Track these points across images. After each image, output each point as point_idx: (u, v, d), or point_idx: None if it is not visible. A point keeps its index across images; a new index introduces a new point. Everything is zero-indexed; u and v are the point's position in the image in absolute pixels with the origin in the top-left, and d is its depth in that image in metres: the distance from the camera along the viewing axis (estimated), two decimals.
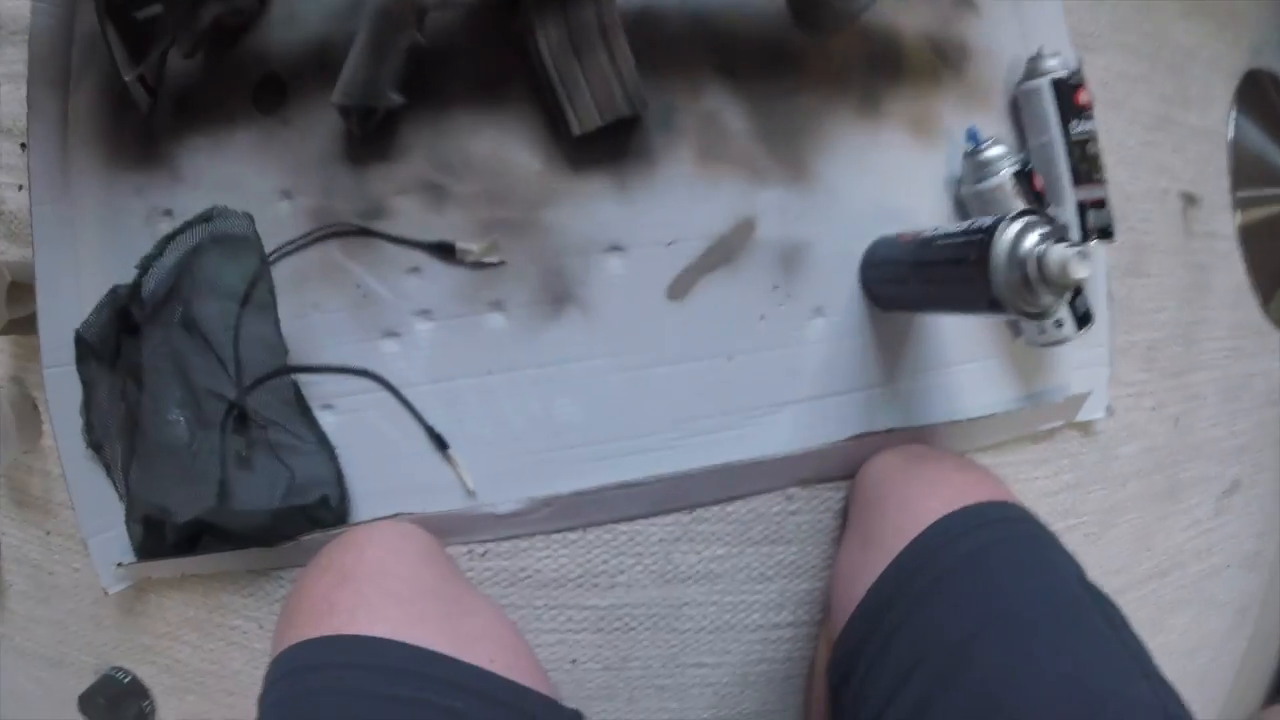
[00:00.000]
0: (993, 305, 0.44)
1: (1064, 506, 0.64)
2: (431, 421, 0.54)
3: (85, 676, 0.63)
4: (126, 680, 0.61)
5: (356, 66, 0.51)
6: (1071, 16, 0.66)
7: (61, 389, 0.56)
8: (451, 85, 0.54)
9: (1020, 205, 0.55)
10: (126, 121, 0.56)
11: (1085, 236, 0.58)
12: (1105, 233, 0.59)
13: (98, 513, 0.56)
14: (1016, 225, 0.43)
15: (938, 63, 0.61)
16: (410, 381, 0.54)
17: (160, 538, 0.55)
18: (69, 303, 0.56)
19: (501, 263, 0.54)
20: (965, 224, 0.47)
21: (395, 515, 0.54)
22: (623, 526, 0.56)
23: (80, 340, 0.56)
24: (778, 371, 0.56)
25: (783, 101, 0.57)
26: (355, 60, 0.51)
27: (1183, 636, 0.73)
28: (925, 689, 0.39)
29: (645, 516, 0.56)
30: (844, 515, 0.58)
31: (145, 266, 0.55)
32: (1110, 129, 0.66)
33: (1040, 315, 0.44)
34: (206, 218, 0.55)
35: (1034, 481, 0.64)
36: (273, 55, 0.56)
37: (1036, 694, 0.35)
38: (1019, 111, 0.62)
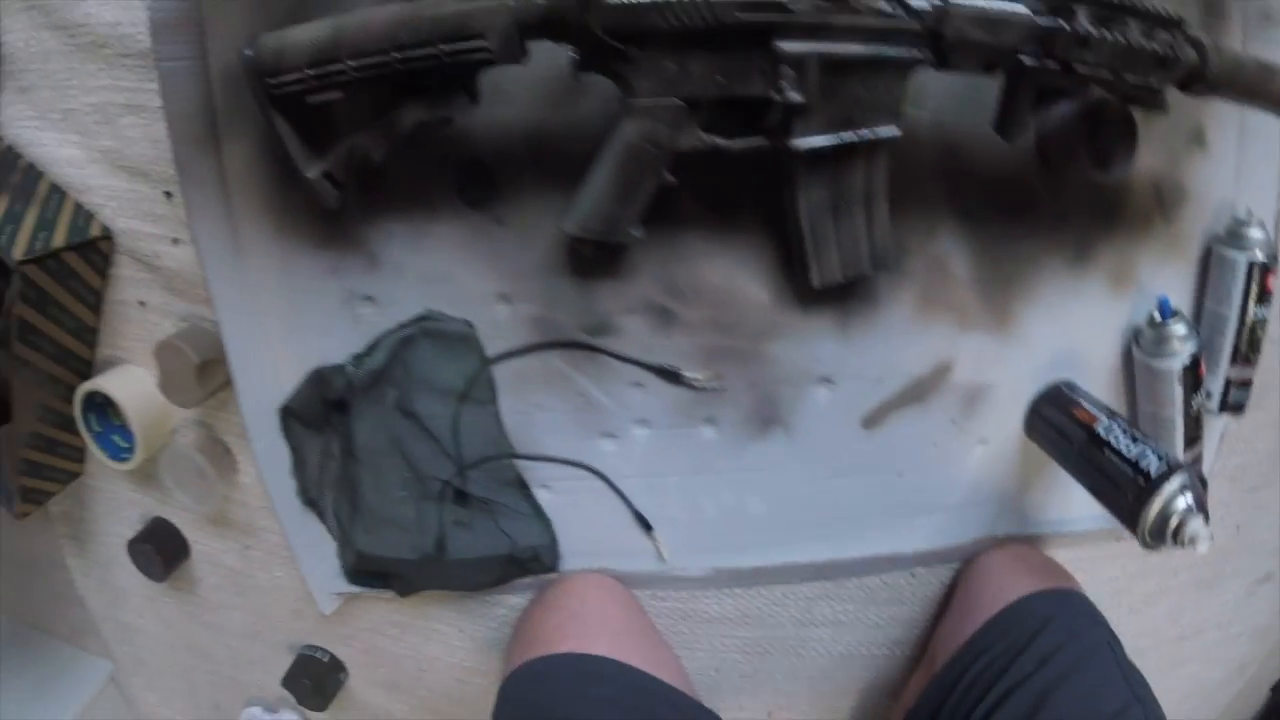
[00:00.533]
0: (1128, 526, 0.54)
1: (1120, 586, 0.77)
2: (637, 506, 0.62)
3: (278, 650, 0.74)
4: (326, 659, 0.73)
5: (598, 201, 0.51)
6: None
7: (269, 453, 0.61)
8: (689, 210, 0.55)
9: (1179, 399, 0.61)
10: (299, 188, 0.53)
11: (1222, 408, 0.65)
12: (1239, 409, 0.65)
13: (311, 548, 0.64)
14: (1173, 486, 0.51)
15: (1154, 209, 0.62)
16: (622, 474, 0.61)
17: (377, 578, 0.64)
18: (264, 378, 0.59)
19: (722, 388, 0.58)
20: (1134, 451, 0.54)
21: (600, 570, 0.64)
22: (779, 586, 0.67)
23: (285, 413, 0.60)
24: (935, 486, 0.65)
25: (1007, 248, 0.59)
26: (596, 194, 0.51)
27: (1181, 683, 0.89)
28: None
29: (800, 581, 0.67)
30: (952, 585, 0.70)
31: (359, 363, 0.58)
32: None
33: (1156, 550, 0.53)
34: (420, 320, 0.57)
35: (1104, 570, 0.76)
36: (477, 139, 0.54)
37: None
38: (1209, 264, 0.65)
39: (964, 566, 0.68)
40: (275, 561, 0.70)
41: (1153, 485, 0.52)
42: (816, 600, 0.68)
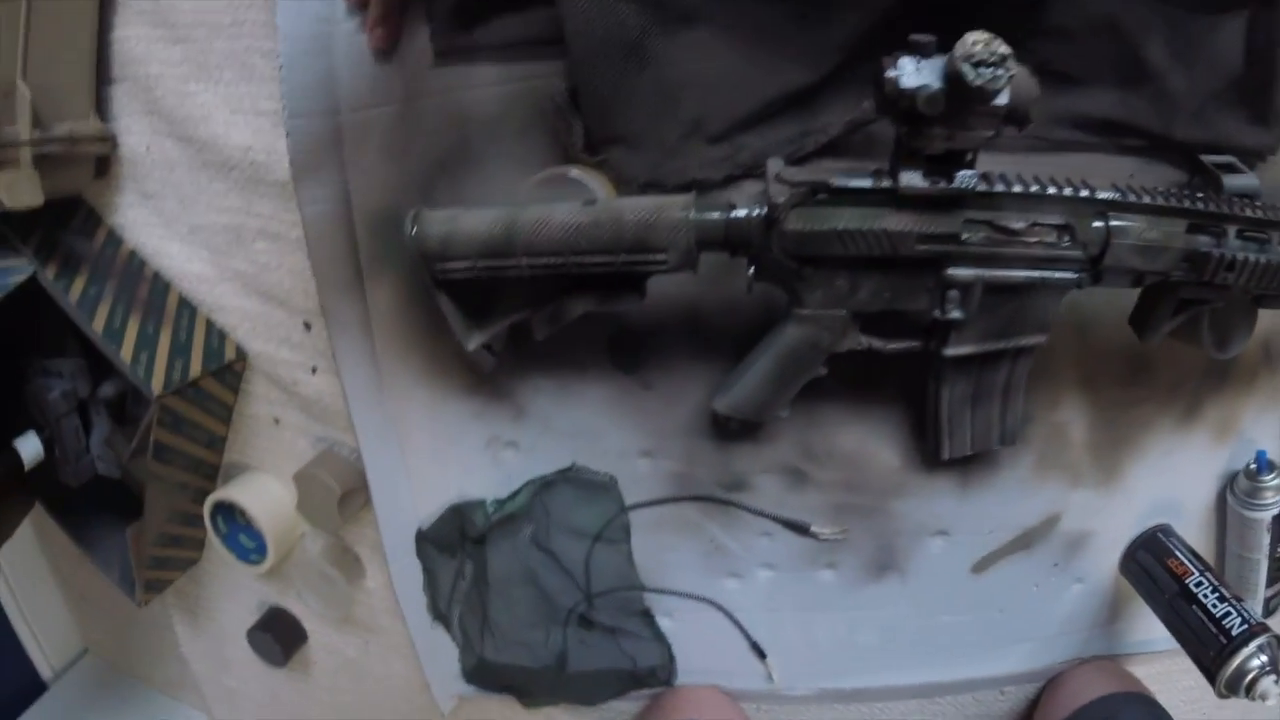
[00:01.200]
0: (1206, 677, 0.60)
1: (1194, 696, 0.82)
2: (754, 636, 0.67)
3: None
4: None
5: (752, 389, 0.55)
6: None
7: (404, 572, 0.66)
8: (829, 383, 0.58)
9: (1266, 544, 0.66)
10: (445, 333, 0.56)
11: None
12: None
13: (436, 653, 0.69)
14: (1252, 648, 0.57)
15: (1261, 363, 0.66)
16: (743, 607, 0.66)
17: (502, 687, 0.70)
18: (402, 502, 0.65)
19: (845, 539, 0.63)
20: (1220, 610, 0.60)
21: (713, 686, 0.69)
22: (878, 703, 0.73)
23: (421, 537, 0.65)
24: (1033, 619, 0.70)
25: (1123, 412, 0.63)
26: (752, 383, 0.55)
27: None
28: None
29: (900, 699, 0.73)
30: (1038, 697, 0.76)
31: (502, 505, 0.62)
32: None
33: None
34: (565, 469, 0.61)
35: (1180, 680, 0.81)
36: (631, 311, 0.56)
37: None
38: None
39: (1050, 681, 0.75)
40: (394, 656, 0.76)
41: (1234, 645, 0.58)
42: (911, 714, 0.74)
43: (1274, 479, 0.66)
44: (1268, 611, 0.72)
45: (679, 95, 0.54)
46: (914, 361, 0.55)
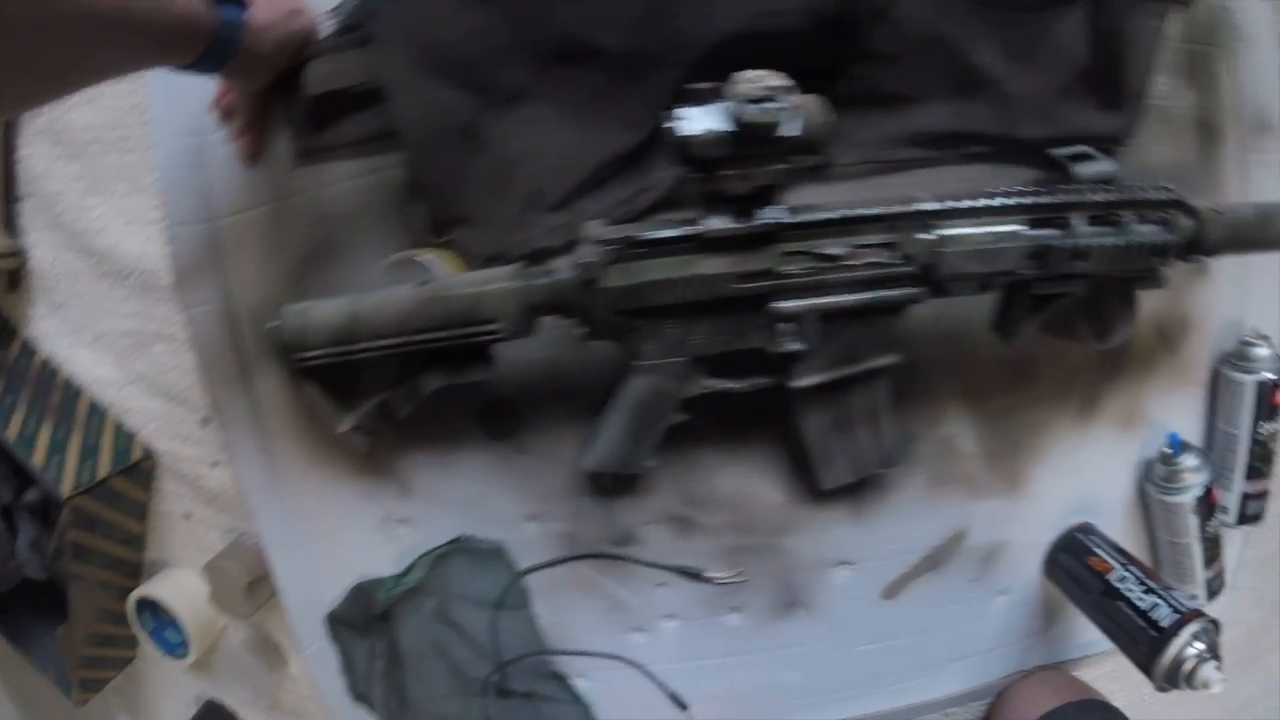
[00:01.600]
0: (1143, 672, 0.57)
1: (1143, 678, 0.80)
2: (672, 688, 0.65)
3: None
4: None
5: (612, 443, 0.54)
6: None
7: (319, 658, 0.65)
8: (702, 429, 0.57)
9: (1194, 527, 0.63)
10: (334, 437, 0.57)
11: (1240, 521, 0.67)
12: (1256, 519, 0.68)
13: None
14: (1184, 637, 0.55)
15: (1158, 346, 0.64)
16: (655, 661, 0.64)
17: None
18: (310, 587, 0.63)
19: (744, 581, 0.61)
20: (1147, 603, 0.57)
21: None
22: None
23: (332, 620, 0.64)
24: (960, 637, 0.67)
25: (1013, 418, 0.61)
26: (610, 437, 0.54)
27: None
28: None
29: None
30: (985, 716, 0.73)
31: (398, 582, 0.61)
32: None
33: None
34: (454, 540, 0.61)
35: (1132, 676, 0.78)
36: (498, 377, 0.56)
37: None
38: (1217, 385, 0.66)
39: (996, 699, 0.72)
40: None
41: (1165, 636, 0.55)
42: None
43: (1190, 460, 0.63)
44: (1210, 593, 0.69)
45: (514, 171, 0.54)
46: (775, 397, 0.54)
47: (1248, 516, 0.68)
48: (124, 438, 0.69)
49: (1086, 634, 0.70)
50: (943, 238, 0.47)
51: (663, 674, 0.65)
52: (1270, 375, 0.63)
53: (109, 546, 0.71)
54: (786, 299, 0.48)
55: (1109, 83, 0.58)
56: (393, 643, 0.64)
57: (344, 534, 0.62)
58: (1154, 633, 0.56)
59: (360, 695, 0.67)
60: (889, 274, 0.48)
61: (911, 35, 0.53)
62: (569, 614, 0.63)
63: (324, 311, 0.51)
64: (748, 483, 0.59)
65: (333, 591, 0.64)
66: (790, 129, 0.42)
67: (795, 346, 0.49)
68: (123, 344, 0.69)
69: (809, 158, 0.44)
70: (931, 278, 0.48)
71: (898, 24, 0.53)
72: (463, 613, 0.63)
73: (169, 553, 0.73)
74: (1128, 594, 0.59)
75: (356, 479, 0.61)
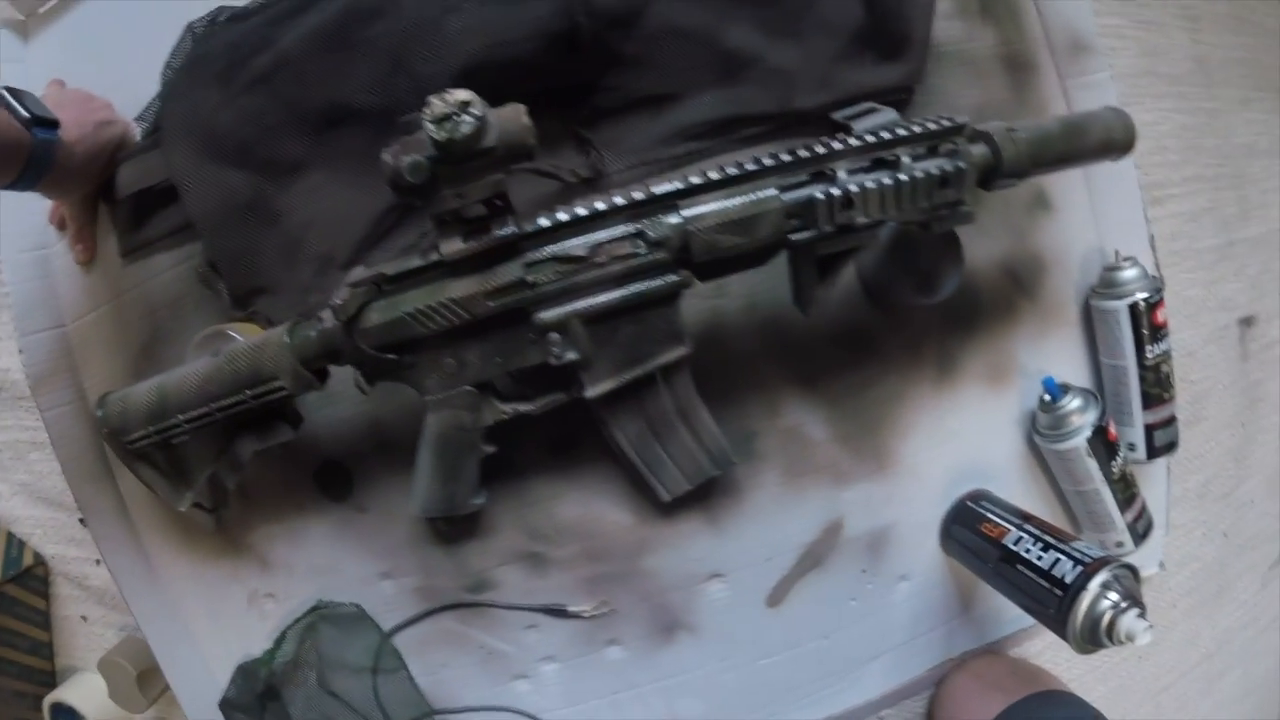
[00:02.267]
0: (1061, 637, 0.51)
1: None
2: None
3: None
4: None
5: (429, 486, 0.52)
6: (1142, 172, 0.63)
7: None
8: (527, 458, 0.56)
9: (1096, 470, 0.58)
10: (191, 520, 0.58)
11: (1151, 455, 0.62)
12: (1170, 448, 0.62)
13: None
14: (1094, 589, 0.49)
15: (1013, 292, 0.60)
16: (545, 709, 0.61)
17: None
18: (197, 673, 0.62)
19: (612, 611, 0.58)
20: (1047, 560, 0.52)
21: None
22: None
23: (225, 707, 0.62)
24: (870, 634, 0.62)
25: (862, 395, 0.58)
26: (426, 481, 0.52)
27: (1228, 689, 0.84)
28: None
29: None
30: (927, 715, 0.67)
31: (271, 655, 0.59)
32: (1175, 284, 0.66)
33: (1092, 652, 0.50)
34: (315, 609, 0.59)
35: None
36: (325, 440, 0.57)
37: None
38: (1092, 322, 0.62)
39: (934, 692, 0.66)
40: None
41: (1072, 593, 0.50)
42: None
43: (1072, 401, 0.58)
44: (1139, 537, 0.63)
45: (304, 237, 0.55)
46: (585, 414, 0.52)
47: (1159, 448, 0.63)
48: (16, 546, 0.70)
49: (1012, 608, 0.65)
50: (688, 218, 0.46)
51: (556, 716, 0.61)
52: (1143, 295, 0.59)
53: (16, 655, 0.71)
54: (545, 308, 0.46)
55: (886, 35, 0.56)
56: None
57: (218, 617, 0.62)
58: (1059, 591, 0.51)
59: None
60: (643, 264, 0.46)
61: (655, 34, 0.53)
62: (445, 670, 0.60)
63: (138, 394, 0.51)
64: (590, 508, 0.56)
65: (221, 675, 0.62)
66: (489, 139, 0.41)
67: (572, 355, 0.47)
68: (4, 456, 0.70)
69: (522, 163, 0.43)
70: (689, 260, 0.46)
71: (638, 27, 0.52)
72: (343, 682, 0.60)
73: (75, 657, 0.73)
74: (1026, 555, 0.54)
75: (220, 560, 0.60)
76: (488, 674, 0.60)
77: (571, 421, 0.54)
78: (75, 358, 0.62)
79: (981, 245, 0.59)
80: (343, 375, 0.51)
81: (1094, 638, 0.49)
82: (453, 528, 0.56)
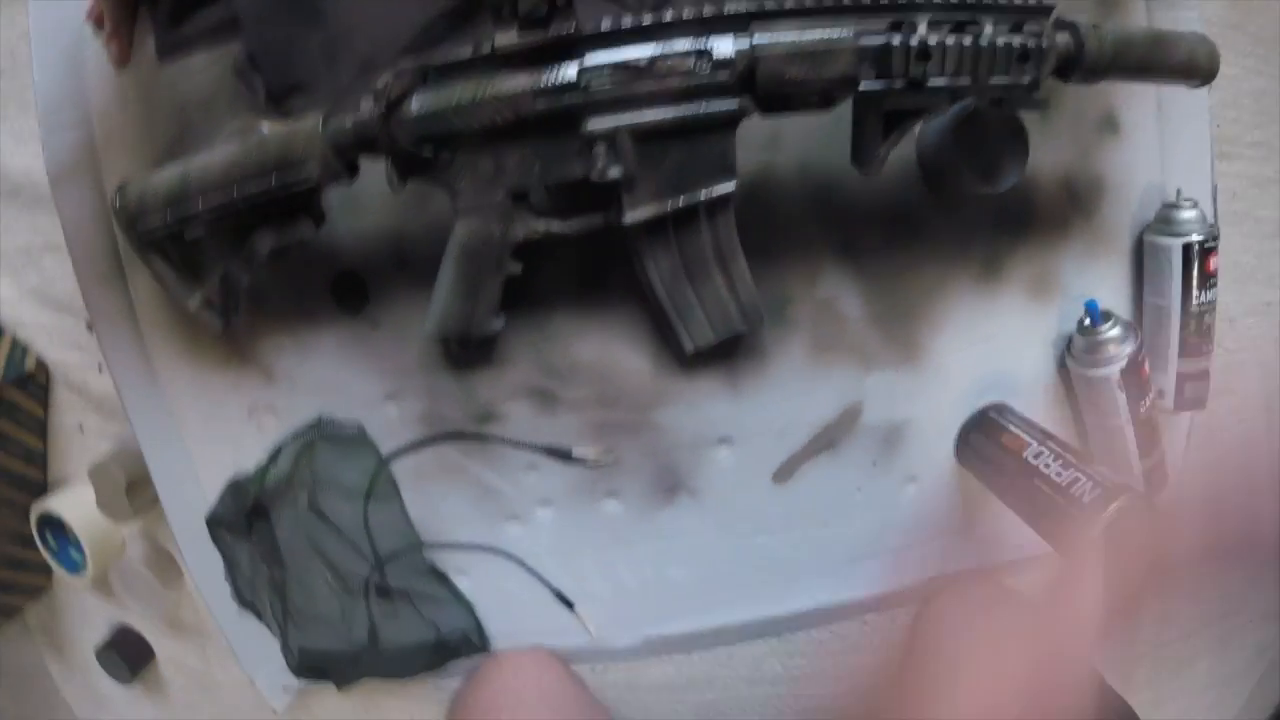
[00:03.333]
0: None
1: None
2: (556, 585, 0.60)
3: None
4: None
5: (448, 302, 0.50)
6: (1213, 117, 0.60)
7: (200, 561, 0.62)
8: (552, 289, 0.53)
9: (1124, 405, 0.55)
10: (201, 324, 0.55)
11: (1179, 406, 0.59)
12: (1199, 403, 0.59)
13: (255, 646, 0.65)
14: (1110, 515, 0.46)
15: (1069, 209, 0.57)
16: (535, 554, 0.60)
17: (320, 673, 0.64)
18: (187, 486, 0.61)
19: (616, 462, 0.56)
20: (1066, 477, 0.50)
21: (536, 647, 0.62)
22: (721, 649, 0.64)
23: (212, 523, 0.61)
24: (869, 530, 0.61)
25: (901, 279, 0.55)
26: (445, 295, 0.50)
27: (1196, 679, 0.83)
28: None
29: (741, 641, 0.64)
30: (911, 628, 0.65)
31: (263, 474, 0.58)
32: (1227, 246, 0.62)
33: None
34: (315, 426, 0.57)
35: None
36: (345, 250, 0.55)
37: None
38: (1142, 255, 0.59)
39: (921, 610, 0.64)
40: (232, 660, 0.71)
41: (1088, 515, 0.48)
42: (764, 658, 0.66)
43: (1112, 329, 0.55)
44: (1152, 490, 0.60)
45: (349, 37, 0.52)
46: (620, 245, 0.49)
47: (1188, 399, 0.60)
48: (19, 350, 0.69)
49: (1017, 534, 0.62)
50: (757, 44, 0.42)
51: (544, 569, 0.60)
52: (1199, 238, 0.56)
53: (10, 462, 0.70)
54: (596, 116, 0.44)
55: None
56: (273, 544, 0.61)
57: (217, 429, 0.60)
58: (1075, 511, 0.48)
59: (245, 602, 0.64)
60: (704, 84, 0.43)
61: None
62: (439, 504, 0.58)
63: (159, 179, 0.49)
64: (610, 350, 0.54)
65: (211, 490, 0.61)
66: None
67: (615, 173, 0.44)
68: (17, 260, 0.69)
69: None
70: (752, 87, 0.43)
71: None
72: (334, 505, 0.59)
73: (68, 469, 0.72)
74: (1044, 470, 0.52)
75: (223, 369, 0.58)
76: (481, 512, 0.58)
77: (603, 255, 0.52)
78: (99, 157, 0.59)
79: (1045, 153, 0.55)
80: (371, 184, 0.48)
81: None
82: (465, 352, 0.54)
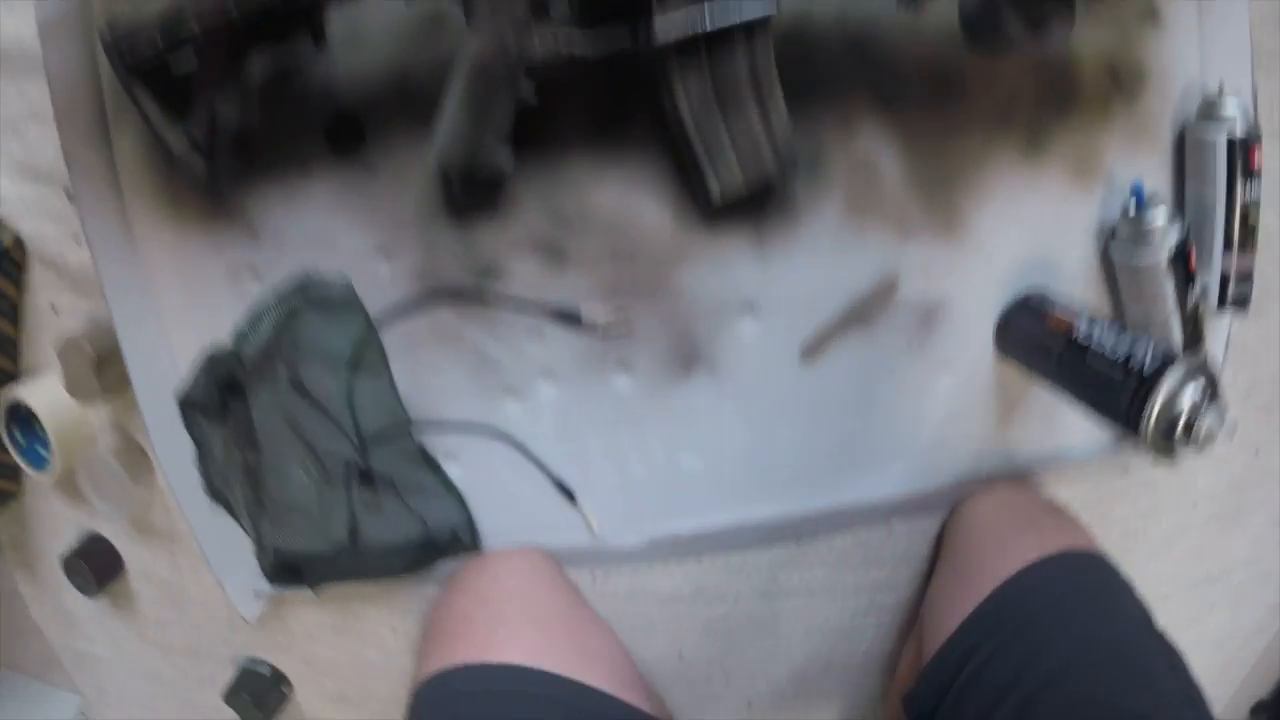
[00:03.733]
0: (1127, 434, 0.44)
1: (1133, 529, 0.66)
2: (557, 473, 0.54)
3: (222, 665, 0.68)
4: (268, 673, 0.67)
5: (454, 127, 0.44)
6: (1254, 31, 0.56)
7: (170, 448, 0.55)
8: (567, 127, 0.47)
9: (1171, 294, 0.51)
10: (183, 169, 0.50)
11: (1221, 304, 0.55)
12: (1241, 303, 0.55)
13: (227, 549, 0.58)
14: (1175, 377, 0.42)
15: (1111, 91, 0.52)
16: (535, 436, 0.54)
17: (294, 575, 0.57)
18: (161, 366, 0.55)
19: (628, 327, 0.51)
20: (1125, 346, 0.45)
21: (529, 547, 0.55)
22: (735, 554, 0.59)
23: (184, 403, 0.55)
24: (899, 424, 0.55)
25: (944, 142, 0.50)
26: (452, 119, 0.44)
27: (1214, 629, 0.78)
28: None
29: (757, 546, 0.58)
30: (937, 542, 0.60)
31: (241, 341, 0.52)
32: (1270, 164, 0.59)
33: (1166, 461, 0.44)
34: (301, 287, 0.51)
35: (1113, 510, 0.66)
36: (342, 88, 0.48)
37: None
38: (1184, 151, 0.54)
39: (950, 517, 0.58)
40: (203, 568, 0.64)
41: (1149, 381, 0.43)
42: (781, 568, 0.59)
43: (1159, 215, 0.51)
44: None
45: None
46: (651, 81, 0.44)
47: (1231, 298, 0.55)
48: None
49: (1053, 439, 0.58)
50: None
51: (544, 454, 0.54)
52: (1241, 133, 0.51)
53: None
54: None
55: None
56: (248, 426, 0.54)
57: (195, 297, 0.53)
58: (1135, 381, 0.44)
59: (217, 493, 0.57)
60: None
61: None
62: (432, 377, 0.52)
63: (153, 2, 0.43)
64: (627, 199, 0.48)
65: (185, 366, 0.55)
66: None
67: None
68: (2, 130, 0.62)
69: None
70: None
71: None
72: (317, 378, 0.52)
73: (40, 357, 0.65)
74: (1098, 344, 0.47)
75: (206, 227, 0.52)
76: (477, 385, 0.52)
77: (625, 90, 0.47)
78: (91, 11, 0.52)
79: (1089, 31, 0.51)
80: (375, 17, 0.45)
81: (1169, 434, 0.43)
82: (469, 196, 0.48)
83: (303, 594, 0.60)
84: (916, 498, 0.56)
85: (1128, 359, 0.45)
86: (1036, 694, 0.42)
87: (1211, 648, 0.76)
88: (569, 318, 0.50)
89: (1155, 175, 0.55)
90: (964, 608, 0.49)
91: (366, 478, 0.54)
